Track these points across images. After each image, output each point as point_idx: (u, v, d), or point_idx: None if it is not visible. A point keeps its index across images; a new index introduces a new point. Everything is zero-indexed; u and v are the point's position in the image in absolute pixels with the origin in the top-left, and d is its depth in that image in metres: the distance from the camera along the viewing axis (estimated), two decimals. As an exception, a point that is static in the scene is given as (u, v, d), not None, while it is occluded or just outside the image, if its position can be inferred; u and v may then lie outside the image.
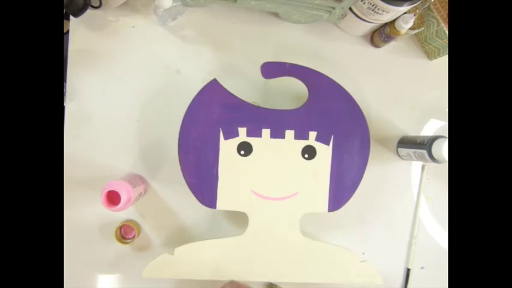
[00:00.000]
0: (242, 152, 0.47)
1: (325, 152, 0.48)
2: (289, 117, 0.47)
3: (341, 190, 0.48)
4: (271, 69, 0.49)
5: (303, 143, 0.47)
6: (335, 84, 0.49)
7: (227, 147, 0.47)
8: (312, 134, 0.47)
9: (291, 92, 0.54)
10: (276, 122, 0.47)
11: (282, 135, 0.47)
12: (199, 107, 0.47)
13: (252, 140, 0.47)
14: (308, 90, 0.48)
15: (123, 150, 0.52)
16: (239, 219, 0.50)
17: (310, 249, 0.46)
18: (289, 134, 0.47)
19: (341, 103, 0.48)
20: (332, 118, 0.48)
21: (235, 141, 0.47)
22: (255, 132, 0.47)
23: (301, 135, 0.47)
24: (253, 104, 0.48)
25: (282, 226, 0.47)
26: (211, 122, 0.47)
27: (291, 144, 0.47)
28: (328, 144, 0.48)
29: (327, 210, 0.48)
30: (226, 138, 0.47)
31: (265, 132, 0.47)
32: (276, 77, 0.49)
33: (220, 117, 0.47)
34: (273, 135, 0.47)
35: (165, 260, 0.46)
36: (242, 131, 0.47)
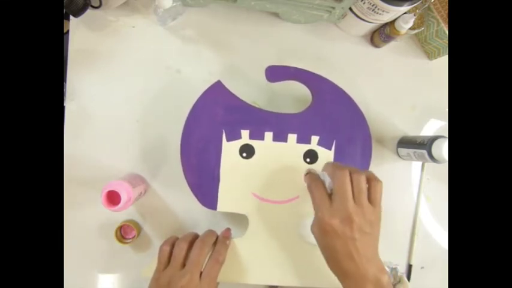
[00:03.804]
0: (244, 154, 0.47)
1: (327, 157, 0.48)
2: (292, 121, 0.47)
3: None
4: (276, 73, 0.49)
5: (305, 147, 0.47)
6: (339, 89, 0.49)
7: (229, 149, 0.47)
8: (315, 139, 0.47)
9: (293, 94, 0.54)
10: (279, 125, 0.47)
11: (284, 139, 0.47)
12: (203, 108, 0.47)
13: (254, 143, 0.47)
14: (312, 94, 0.49)
15: (123, 150, 0.52)
16: (239, 221, 0.50)
17: (310, 253, 0.46)
18: (292, 137, 0.47)
19: (344, 108, 0.48)
20: (335, 123, 0.48)
21: (237, 143, 0.47)
22: (257, 135, 0.47)
23: (303, 139, 0.47)
24: (254, 104, 0.48)
25: (282, 229, 0.47)
26: (215, 123, 0.47)
27: (293, 148, 0.47)
28: (330, 149, 0.48)
29: None
30: (228, 140, 0.47)
31: (268, 135, 0.47)
32: (280, 80, 0.49)
33: (224, 118, 0.47)
34: (276, 138, 0.47)
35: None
36: (245, 133, 0.47)
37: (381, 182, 0.39)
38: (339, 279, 0.38)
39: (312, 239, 0.42)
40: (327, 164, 0.42)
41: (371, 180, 0.39)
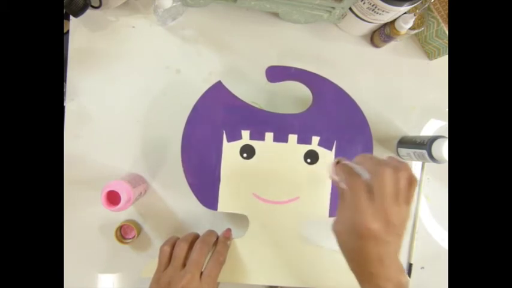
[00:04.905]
0: (245, 155, 0.47)
1: (327, 157, 0.48)
2: (293, 122, 0.47)
3: None
4: (276, 73, 0.49)
5: (305, 148, 0.47)
6: (339, 89, 0.49)
7: (230, 150, 0.47)
8: (315, 139, 0.47)
9: (293, 95, 0.54)
10: (280, 126, 0.47)
11: (285, 139, 0.47)
12: (204, 109, 0.47)
13: (255, 143, 0.47)
14: (312, 94, 0.49)
15: (123, 150, 0.52)
16: (240, 222, 0.50)
17: (310, 253, 0.46)
18: (292, 138, 0.47)
19: (344, 108, 0.48)
20: (335, 124, 0.48)
21: (238, 144, 0.47)
22: (258, 135, 0.47)
23: (304, 139, 0.47)
24: (253, 104, 0.48)
25: (283, 230, 0.47)
26: (215, 124, 0.47)
27: (293, 148, 0.47)
28: (331, 149, 0.48)
29: (327, 215, 0.48)
30: (229, 140, 0.47)
31: (269, 135, 0.47)
32: (280, 81, 0.49)
33: (224, 119, 0.47)
34: (276, 139, 0.47)
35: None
36: (245, 133, 0.47)
37: (417, 180, 0.36)
38: (359, 280, 0.36)
39: (312, 239, 0.42)
40: (365, 157, 0.37)
41: (410, 178, 0.36)
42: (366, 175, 0.36)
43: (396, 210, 0.34)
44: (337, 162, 0.39)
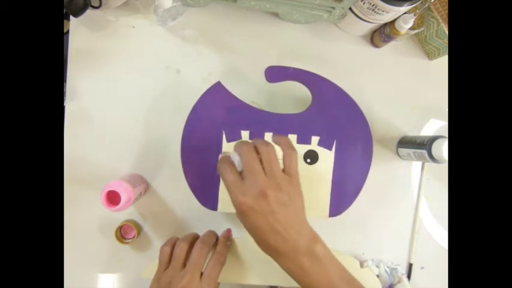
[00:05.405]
0: (244, 155, 0.47)
1: (327, 157, 0.48)
2: (292, 122, 0.47)
3: (343, 196, 0.48)
4: (275, 74, 0.49)
5: (305, 148, 0.47)
6: (339, 89, 0.49)
7: (230, 150, 0.46)
8: (315, 139, 0.47)
9: (293, 95, 0.54)
10: (279, 125, 0.47)
11: None
12: (203, 109, 0.47)
13: None
14: (312, 94, 0.49)
15: (123, 150, 0.52)
16: (240, 222, 0.50)
17: None
18: (292, 138, 0.47)
19: (345, 109, 0.48)
20: (335, 123, 0.48)
21: None
22: (257, 135, 0.47)
23: (303, 139, 0.47)
24: (253, 104, 0.48)
25: None
26: (215, 124, 0.47)
27: None
28: (330, 149, 0.48)
29: (327, 216, 0.48)
30: (229, 140, 0.47)
31: (268, 136, 0.47)
32: (279, 81, 0.49)
33: (224, 119, 0.47)
34: None
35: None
36: (245, 134, 0.47)
37: (295, 151, 0.38)
38: (274, 259, 0.37)
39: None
40: (236, 143, 0.39)
41: (284, 149, 0.37)
42: (237, 158, 0.37)
43: (270, 181, 0.35)
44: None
